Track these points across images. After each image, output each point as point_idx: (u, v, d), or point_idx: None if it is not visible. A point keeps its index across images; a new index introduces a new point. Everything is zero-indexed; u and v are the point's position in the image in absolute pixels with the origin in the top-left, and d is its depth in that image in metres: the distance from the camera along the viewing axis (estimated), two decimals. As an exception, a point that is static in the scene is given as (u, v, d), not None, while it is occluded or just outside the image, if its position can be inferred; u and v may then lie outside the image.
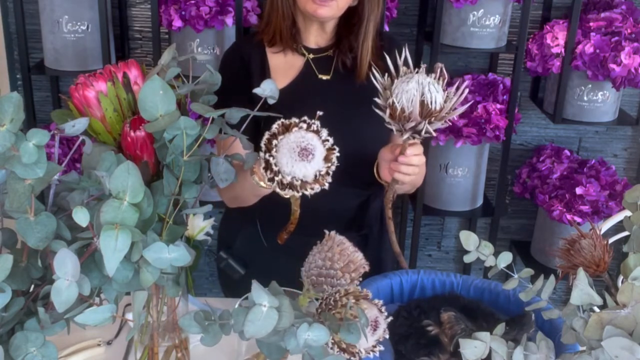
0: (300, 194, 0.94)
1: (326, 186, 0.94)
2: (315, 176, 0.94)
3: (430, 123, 1.18)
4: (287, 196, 0.96)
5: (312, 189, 0.94)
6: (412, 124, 1.19)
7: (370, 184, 1.57)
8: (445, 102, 1.19)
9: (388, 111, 1.19)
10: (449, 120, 1.21)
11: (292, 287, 1.09)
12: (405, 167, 1.30)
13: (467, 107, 1.19)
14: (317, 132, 0.94)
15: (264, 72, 1.54)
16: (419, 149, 1.29)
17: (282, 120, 0.95)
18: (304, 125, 0.94)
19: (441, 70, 1.20)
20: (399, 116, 1.19)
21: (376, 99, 1.22)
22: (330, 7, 1.44)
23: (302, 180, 0.93)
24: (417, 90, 1.16)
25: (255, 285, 0.78)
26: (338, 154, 0.94)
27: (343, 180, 1.57)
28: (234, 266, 1.62)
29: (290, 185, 0.94)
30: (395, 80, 1.19)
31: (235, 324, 0.80)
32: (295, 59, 1.55)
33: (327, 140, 0.94)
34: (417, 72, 1.19)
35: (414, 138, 1.22)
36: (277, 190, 0.95)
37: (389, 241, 1.46)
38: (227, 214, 1.77)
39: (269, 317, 0.77)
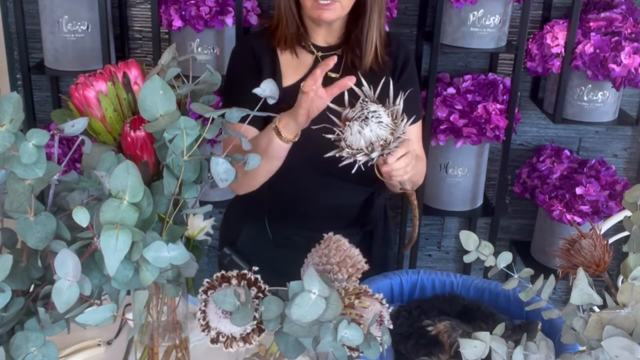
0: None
1: (253, 344, 0.92)
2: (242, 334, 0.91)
3: (387, 147, 1.26)
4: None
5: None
6: (375, 154, 1.26)
7: (375, 180, 1.58)
8: (394, 121, 1.26)
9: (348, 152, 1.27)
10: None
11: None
12: (394, 172, 1.32)
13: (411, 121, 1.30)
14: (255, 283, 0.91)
15: (275, 69, 1.54)
16: (400, 151, 1.30)
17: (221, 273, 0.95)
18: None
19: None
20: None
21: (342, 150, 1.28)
22: (334, 10, 1.45)
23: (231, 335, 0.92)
24: (364, 133, 1.24)
25: (310, 272, 0.78)
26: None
27: (347, 177, 1.59)
28: (238, 262, 1.62)
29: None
30: (347, 127, 1.26)
31: (265, 311, 0.81)
32: (305, 56, 1.57)
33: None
34: (361, 109, 1.25)
35: (383, 155, 1.28)
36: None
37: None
38: (229, 211, 1.78)
39: (316, 305, 0.77)
